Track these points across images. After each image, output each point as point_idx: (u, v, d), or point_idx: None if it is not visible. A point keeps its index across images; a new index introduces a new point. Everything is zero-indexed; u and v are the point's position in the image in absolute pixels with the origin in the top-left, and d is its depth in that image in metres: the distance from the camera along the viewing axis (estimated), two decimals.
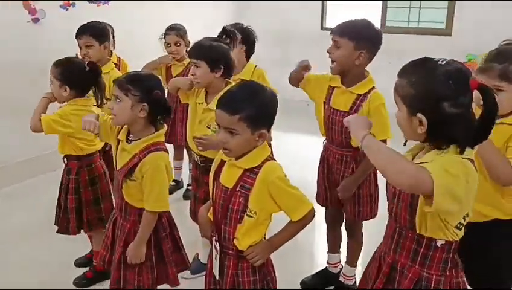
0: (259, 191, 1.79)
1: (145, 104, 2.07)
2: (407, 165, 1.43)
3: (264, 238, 1.92)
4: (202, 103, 2.57)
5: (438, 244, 1.56)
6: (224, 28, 2.71)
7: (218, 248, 1.89)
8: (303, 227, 1.89)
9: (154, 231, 2.18)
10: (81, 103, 2.62)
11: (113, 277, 2.22)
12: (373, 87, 2.49)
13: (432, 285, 1.58)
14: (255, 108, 1.77)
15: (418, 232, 1.56)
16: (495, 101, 1.45)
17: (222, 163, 1.93)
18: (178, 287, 2.36)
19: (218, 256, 1.90)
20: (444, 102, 1.44)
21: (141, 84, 2.09)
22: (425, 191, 1.40)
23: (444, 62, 1.49)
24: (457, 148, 1.48)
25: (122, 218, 2.22)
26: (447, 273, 1.59)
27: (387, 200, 1.70)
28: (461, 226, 1.55)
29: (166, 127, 2.21)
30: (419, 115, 1.47)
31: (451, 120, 1.45)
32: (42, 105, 2.65)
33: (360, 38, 2.40)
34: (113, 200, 2.62)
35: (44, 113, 2.61)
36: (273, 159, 1.87)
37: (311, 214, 1.86)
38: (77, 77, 2.61)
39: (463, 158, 1.46)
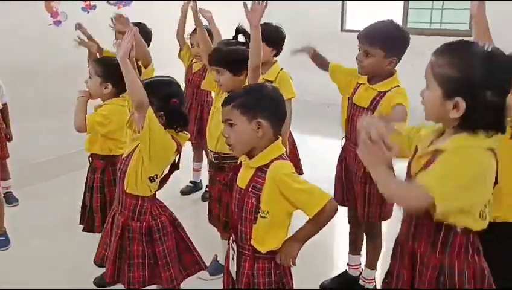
0: (269, 190, 1.78)
1: (162, 112, 2.09)
2: (409, 195, 1.44)
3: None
4: None
5: (458, 229, 1.50)
6: (237, 28, 2.73)
7: (235, 248, 1.90)
8: (324, 221, 1.79)
9: (148, 231, 2.18)
10: (120, 102, 2.63)
11: (109, 271, 2.23)
12: (397, 86, 2.46)
13: (456, 272, 1.52)
14: (247, 96, 1.85)
15: (434, 220, 1.49)
16: None
17: (241, 164, 1.95)
18: (196, 287, 2.36)
19: (235, 256, 1.90)
20: (488, 90, 1.38)
21: (159, 92, 2.10)
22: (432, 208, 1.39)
23: (490, 49, 1.43)
24: (486, 134, 1.42)
25: (119, 212, 2.23)
26: (470, 259, 1.53)
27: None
28: (484, 214, 1.50)
29: (188, 135, 2.23)
30: (458, 99, 1.40)
31: (489, 108, 1.39)
32: (82, 105, 2.63)
33: (392, 46, 2.35)
34: None
35: (86, 112, 2.61)
36: (284, 158, 1.85)
37: (330, 207, 1.75)
38: (120, 75, 2.63)
39: (486, 148, 1.42)
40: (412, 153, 1.63)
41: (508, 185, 1.93)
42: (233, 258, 1.92)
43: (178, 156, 2.21)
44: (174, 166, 2.24)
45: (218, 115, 2.62)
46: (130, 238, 2.19)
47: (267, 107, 1.83)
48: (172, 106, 2.12)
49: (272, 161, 1.81)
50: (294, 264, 1.84)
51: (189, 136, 2.23)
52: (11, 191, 4.01)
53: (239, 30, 2.71)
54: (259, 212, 1.80)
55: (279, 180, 1.76)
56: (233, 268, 1.93)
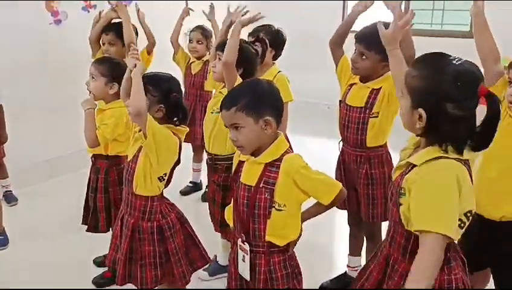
0: (284, 183, 1.81)
1: (162, 105, 2.12)
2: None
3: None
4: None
5: None
6: (257, 36, 2.78)
7: (247, 248, 1.89)
8: (333, 206, 1.92)
9: (159, 230, 2.19)
10: (121, 104, 2.53)
11: (120, 273, 2.23)
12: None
13: None
14: (248, 96, 1.82)
15: (405, 228, 1.53)
16: (499, 111, 1.45)
17: (241, 164, 1.94)
18: (196, 288, 2.35)
19: (247, 257, 1.89)
20: (448, 102, 1.42)
21: (160, 86, 2.13)
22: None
23: (459, 62, 1.46)
24: (456, 149, 1.46)
25: (128, 213, 2.24)
26: None
27: None
28: (462, 225, 1.47)
29: (187, 129, 2.24)
30: (420, 109, 1.45)
31: (452, 121, 1.43)
32: (92, 118, 2.57)
33: None
34: None
35: (95, 125, 2.56)
36: (291, 151, 1.89)
37: (341, 194, 1.88)
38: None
39: (457, 159, 1.45)
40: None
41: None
42: (243, 260, 1.91)
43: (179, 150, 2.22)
44: (176, 161, 2.25)
45: (209, 113, 2.65)
46: (140, 239, 2.20)
47: (269, 103, 1.85)
48: (173, 99, 2.15)
49: (283, 155, 1.84)
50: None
51: (187, 129, 2.25)
52: (10, 190, 4.00)
53: (258, 38, 2.77)
54: (273, 206, 1.82)
55: (297, 173, 1.80)
56: (245, 270, 1.92)
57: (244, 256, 1.90)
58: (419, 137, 1.58)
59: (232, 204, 2.00)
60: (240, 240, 1.92)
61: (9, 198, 3.96)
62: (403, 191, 1.51)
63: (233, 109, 1.80)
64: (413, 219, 1.45)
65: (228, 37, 2.64)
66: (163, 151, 2.10)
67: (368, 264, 1.81)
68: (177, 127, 2.19)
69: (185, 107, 2.24)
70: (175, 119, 2.19)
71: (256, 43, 2.70)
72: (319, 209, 1.93)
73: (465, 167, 1.47)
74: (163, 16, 4.79)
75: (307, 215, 1.95)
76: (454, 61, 1.46)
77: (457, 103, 1.41)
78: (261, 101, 1.83)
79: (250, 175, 1.87)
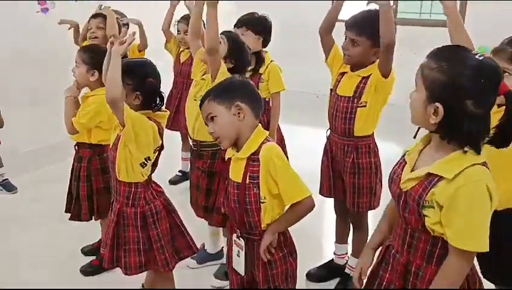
0: (265, 174, 1.83)
1: (138, 92, 2.12)
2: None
3: None
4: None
5: None
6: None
7: (242, 244, 1.91)
8: (299, 215, 1.88)
9: (142, 216, 2.20)
10: (104, 91, 2.60)
11: (108, 257, 2.25)
12: None
13: None
14: (218, 87, 1.95)
15: (433, 234, 1.47)
16: None
17: (229, 161, 1.97)
18: (184, 276, 2.36)
19: (242, 253, 1.91)
20: (467, 98, 1.36)
21: (134, 73, 2.12)
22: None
23: (482, 57, 1.39)
24: (475, 151, 1.40)
25: (115, 199, 2.26)
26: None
27: (392, 197, 1.64)
28: None
29: (168, 112, 2.26)
30: (437, 104, 1.39)
31: (469, 118, 1.37)
32: (70, 106, 2.63)
33: (378, 36, 2.31)
34: None
35: (74, 113, 2.61)
36: (270, 140, 1.91)
37: (308, 204, 1.84)
38: None
39: (483, 164, 1.39)
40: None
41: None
42: (238, 255, 1.93)
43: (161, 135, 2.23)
44: (160, 146, 2.25)
45: (192, 100, 2.65)
46: (125, 224, 2.22)
47: (241, 90, 1.90)
48: (149, 85, 2.15)
49: (261, 146, 1.85)
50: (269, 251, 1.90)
51: (168, 113, 2.27)
52: (7, 179, 4.01)
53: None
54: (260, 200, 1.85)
55: (270, 160, 1.82)
56: (239, 264, 1.94)
57: (239, 251, 1.93)
58: (427, 136, 1.53)
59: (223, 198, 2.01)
60: (235, 235, 1.94)
61: (8, 186, 3.99)
62: (427, 204, 1.43)
63: (207, 101, 1.88)
64: (452, 235, 1.40)
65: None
66: (141, 138, 2.10)
67: (377, 271, 1.70)
68: (156, 113, 2.20)
69: (162, 92, 2.24)
70: (153, 105, 2.19)
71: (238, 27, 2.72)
72: (286, 218, 1.89)
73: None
74: (147, 8, 4.80)
75: (277, 226, 1.89)
76: (476, 56, 1.40)
77: (476, 99, 1.35)
78: (231, 90, 1.89)
79: (236, 172, 1.90)
